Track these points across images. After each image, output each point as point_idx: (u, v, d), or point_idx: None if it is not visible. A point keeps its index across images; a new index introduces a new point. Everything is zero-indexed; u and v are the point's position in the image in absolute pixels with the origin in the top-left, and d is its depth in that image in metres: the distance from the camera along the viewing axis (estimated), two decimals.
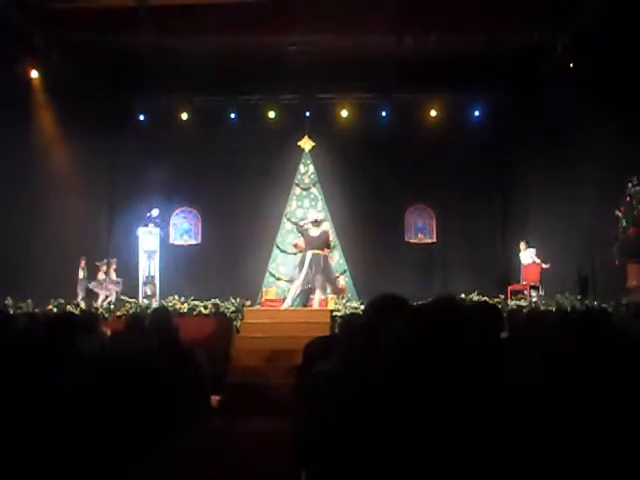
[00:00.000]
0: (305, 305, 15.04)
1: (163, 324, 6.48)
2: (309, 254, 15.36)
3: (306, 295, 15.20)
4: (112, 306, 13.95)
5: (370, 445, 1.66)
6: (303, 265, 15.42)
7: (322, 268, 15.31)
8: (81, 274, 15.61)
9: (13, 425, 1.82)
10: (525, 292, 15.10)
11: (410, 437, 1.59)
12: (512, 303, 13.69)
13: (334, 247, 17.29)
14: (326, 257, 15.61)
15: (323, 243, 15.60)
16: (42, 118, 15.27)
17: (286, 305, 15.07)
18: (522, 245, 15.72)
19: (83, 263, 15.70)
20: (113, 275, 16.02)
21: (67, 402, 1.81)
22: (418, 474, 1.57)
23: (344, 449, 1.84)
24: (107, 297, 15.29)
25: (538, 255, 15.45)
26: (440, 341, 1.66)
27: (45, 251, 14.47)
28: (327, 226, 16.28)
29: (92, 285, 15.56)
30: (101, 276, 15.78)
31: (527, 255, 15.59)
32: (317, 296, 14.97)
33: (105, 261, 16.05)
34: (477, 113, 17.80)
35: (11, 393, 2.07)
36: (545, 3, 12.93)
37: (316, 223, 16.04)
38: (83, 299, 14.92)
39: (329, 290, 15.21)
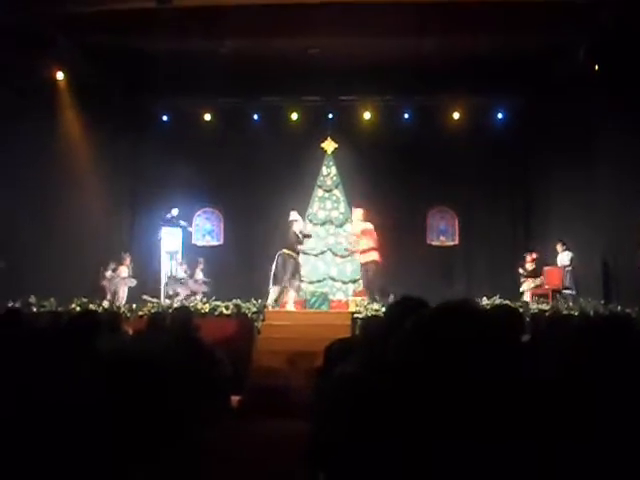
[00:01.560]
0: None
1: (184, 323, 6.51)
2: (277, 253, 14.67)
3: (280, 295, 14.76)
4: (134, 306, 13.99)
5: (388, 445, 1.67)
6: (274, 264, 14.76)
7: (292, 269, 14.59)
8: (125, 272, 15.60)
9: (26, 423, 1.83)
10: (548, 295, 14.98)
11: (427, 430, 1.60)
12: (534, 307, 13.57)
13: (350, 256, 17.24)
14: (290, 256, 14.84)
15: (292, 243, 14.80)
16: (67, 119, 15.38)
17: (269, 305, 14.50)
18: (559, 247, 15.48)
19: (128, 260, 15.70)
20: (200, 274, 16.08)
21: (82, 400, 1.82)
22: (435, 467, 1.59)
23: (362, 450, 1.85)
24: (189, 296, 15.29)
25: (571, 259, 15.29)
26: (451, 340, 1.67)
27: (68, 250, 14.56)
28: (297, 226, 15.01)
29: (170, 282, 15.61)
30: (180, 274, 15.80)
31: (565, 257, 15.37)
32: (291, 297, 14.49)
33: (185, 259, 16.11)
34: (500, 116, 17.76)
35: (28, 390, 2.09)
36: (568, 5, 12.83)
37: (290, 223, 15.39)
38: (114, 299, 14.90)
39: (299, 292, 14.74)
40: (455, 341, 1.67)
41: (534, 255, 16.08)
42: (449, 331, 1.69)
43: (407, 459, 1.62)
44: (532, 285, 15.68)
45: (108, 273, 15.52)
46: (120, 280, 15.47)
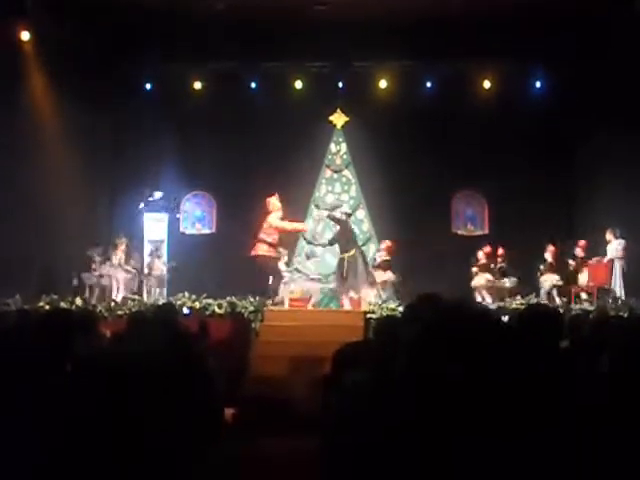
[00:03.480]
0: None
1: (168, 323, 6.53)
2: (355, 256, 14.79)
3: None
4: (112, 304, 14.02)
5: (405, 456, 1.71)
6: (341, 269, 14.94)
7: (361, 268, 14.83)
8: (121, 259, 15.51)
9: None
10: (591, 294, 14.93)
11: (445, 430, 1.65)
12: (576, 307, 13.56)
13: (369, 239, 17.25)
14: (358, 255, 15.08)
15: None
16: (34, 87, 15.34)
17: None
18: (609, 234, 15.25)
19: (123, 245, 15.57)
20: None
21: (56, 414, 1.82)
22: (455, 463, 1.65)
23: (380, 468, 1.87)
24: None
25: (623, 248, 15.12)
26: (461, 343, 1.71)
27: (34, 240, 14.50)
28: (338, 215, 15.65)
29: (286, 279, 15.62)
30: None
31: (616, 248, 15.18)
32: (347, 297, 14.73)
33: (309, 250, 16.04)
34: (538, 84, 17.63)
35: None
36: None
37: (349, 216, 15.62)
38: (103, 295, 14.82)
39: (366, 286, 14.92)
40: (465, 344, 1.72)
41: (552, 247, 15.98)
42: (459, 334, 1.73)
43: (426, 461, 1.68)
44: (554, 282, 15.59)
45: (95, 264, 15.32)
46: (117, 269, 15.33)
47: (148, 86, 17.94)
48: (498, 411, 1.66)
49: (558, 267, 15.83)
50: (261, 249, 14.96)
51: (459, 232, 18.13)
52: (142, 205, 16.32)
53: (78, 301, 13.81)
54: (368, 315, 13.20)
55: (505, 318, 11.24)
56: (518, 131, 17.07)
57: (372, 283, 14.99)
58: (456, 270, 16.24)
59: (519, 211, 17.29)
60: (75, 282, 15.17)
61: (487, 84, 17.41)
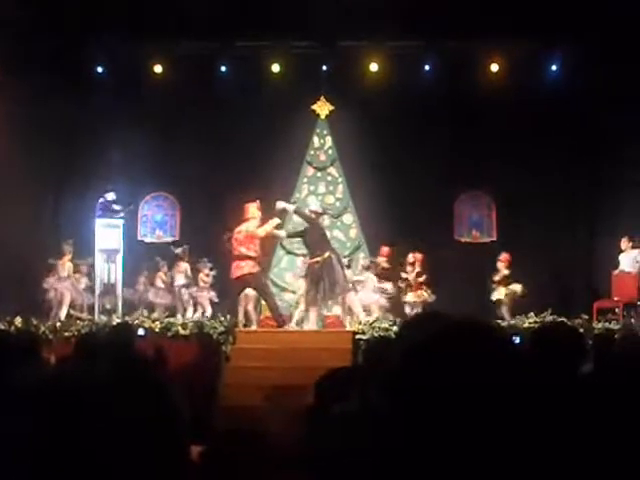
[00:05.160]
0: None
1: (123, 347, 6.49)
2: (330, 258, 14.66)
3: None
4: (58, 324, 13.94)
5: None
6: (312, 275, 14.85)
7: (339, 274, 14.69)
8: (65, 270, 15.42)
9: None
10: (617, 311, 14.96)
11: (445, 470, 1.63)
12: (599, 326, 13.58)
13: (357, 247, 17.23)
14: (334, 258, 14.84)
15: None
16: None
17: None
18: (624, 243, 15.41)
19: (68, 254, 15.51)
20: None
21: None
22: None
23: None
24: None
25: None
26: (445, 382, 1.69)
27: None
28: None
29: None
30: None
31: (631, 258, 15.30)
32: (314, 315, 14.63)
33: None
34: (554, 67, 17.63)
35: None
36: None
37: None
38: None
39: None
40: (462, 367, 1.68)
41: (506, 256, 15.95)
42: (454, 355, 1.70)
43: None
44: (505, 294, 15.58)
45: (51, 279, 15.22)
46: (65, 282, 15.23)
47: (99, 69, 17.83)
48: (507, 454, 1.63)
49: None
50: (246, 267, 14.28)
51: (462, 239, 18.13)
52: (98, 208, 16.20)
53: (18, 321, 13.71)
54: (357, 336, 13.17)
55: (516, 339, 11.38)
56: (530, 122, 17.07)
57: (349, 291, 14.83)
58: (459, 283, 16.28)
59: (532, 216, 17.29)
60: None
61: (495, 67, 17.33)
